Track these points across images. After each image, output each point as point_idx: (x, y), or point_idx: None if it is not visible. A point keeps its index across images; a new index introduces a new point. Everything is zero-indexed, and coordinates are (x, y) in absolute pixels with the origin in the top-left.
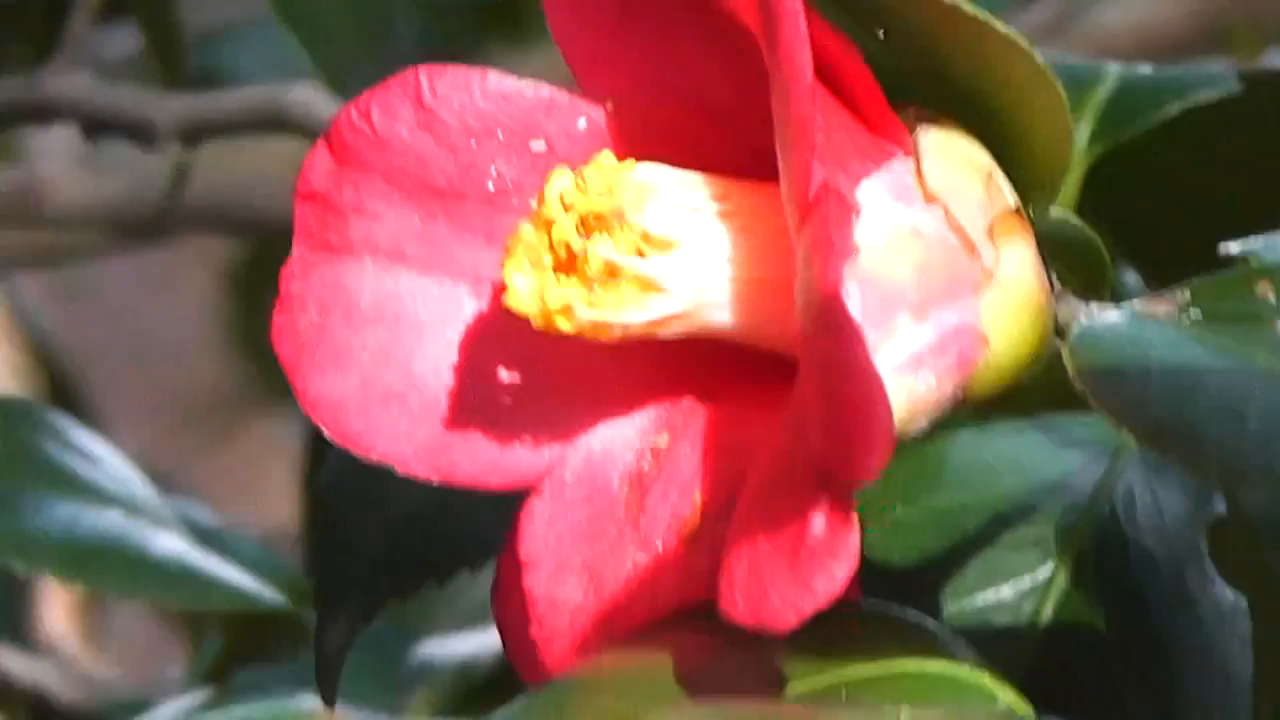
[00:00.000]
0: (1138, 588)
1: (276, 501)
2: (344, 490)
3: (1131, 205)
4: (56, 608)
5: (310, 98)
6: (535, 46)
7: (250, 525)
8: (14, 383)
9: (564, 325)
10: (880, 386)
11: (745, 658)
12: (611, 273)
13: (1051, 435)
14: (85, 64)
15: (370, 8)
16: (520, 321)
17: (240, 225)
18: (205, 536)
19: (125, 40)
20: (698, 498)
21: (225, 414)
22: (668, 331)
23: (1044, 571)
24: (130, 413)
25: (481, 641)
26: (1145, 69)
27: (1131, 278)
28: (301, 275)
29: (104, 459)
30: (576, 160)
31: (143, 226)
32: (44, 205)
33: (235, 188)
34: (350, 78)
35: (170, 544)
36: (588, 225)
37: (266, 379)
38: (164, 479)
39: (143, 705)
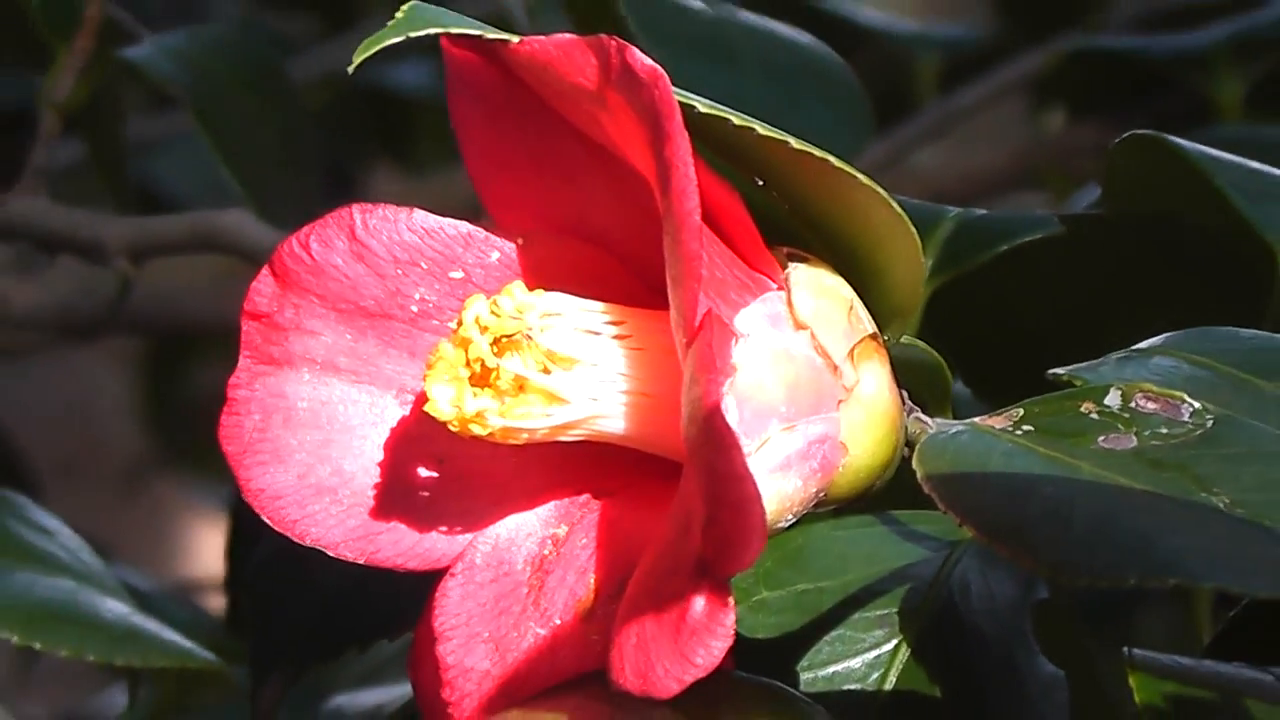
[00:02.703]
0: (970, 661)
1: (191, 556)
2: (276, 571)
3: (965, 329)
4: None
5: (240, 221)
6: (431, 173)
7: (169, 577)
8: None
9: (478, 430)
10: (755, 491)
11: None
12: (520, 386)
13: (897, 530)
14: (44, 190)
15: (284, 128)
16: (439, 426)
17: (169, 330)
18: (143, 601)
19: (72, 151)
20: (592, 580)
21: (141, 478)
22: (568, 436)
23: (888, 646)
24: (60, 478)
25: (385, 694)
26: (979, 212)
27: (962, 390)
28: (247, 384)
29: (57, 531)
30: (490, 288)
31: (86, 330)
32: (7, 311)
33: (166, 298)
34: (267, 189)
35: (116, 608)
36: (500, 345)
37: (174, 448)
38: (93, 538)
39: None
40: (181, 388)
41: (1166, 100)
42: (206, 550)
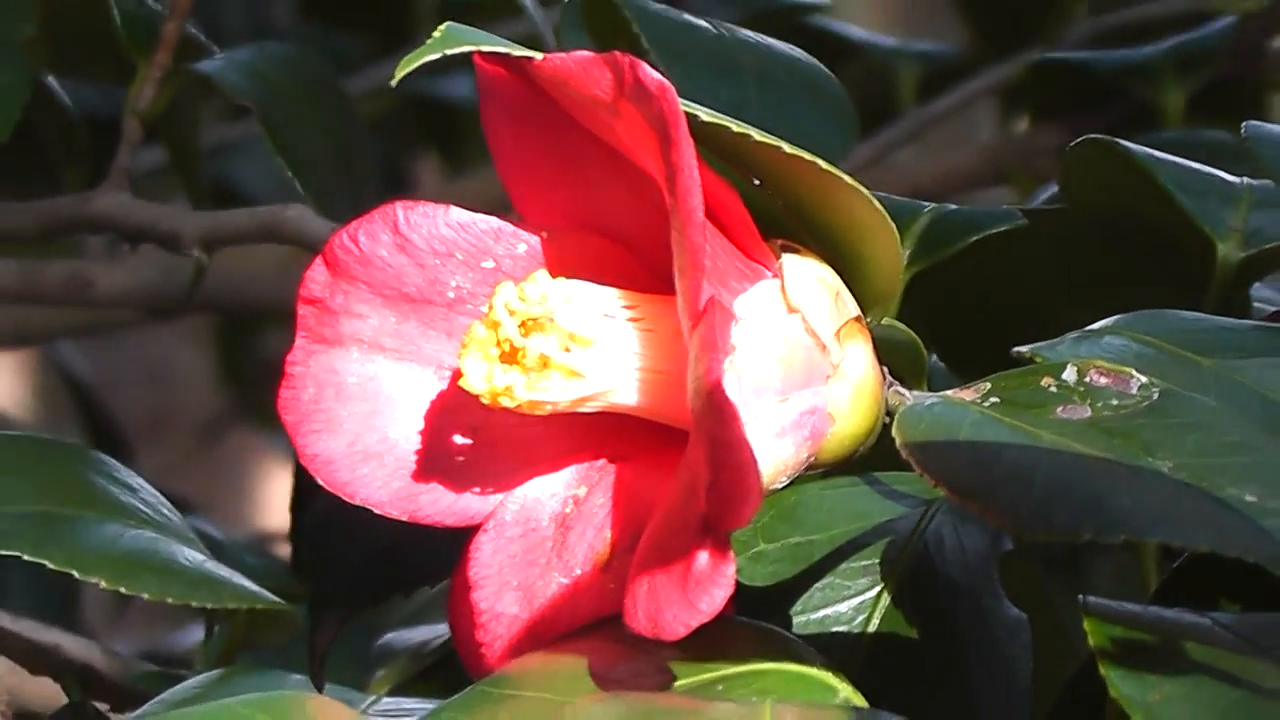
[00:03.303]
0: (945, 606)
1: (263, 507)
2: (331, 525)
3: (940, 311)
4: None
5: (302, 215)
6: (473, 172)
7: (242, 527)
8: (53, 417)
9: (507, 402)
10: (752, 457)
11: (644, 660)
12: (544, 363)
13: (880, 489)
14: (127, 188)
15: (341, 133)
16: (472, 399)
17: (238, 309)
18: (216, 549)
19: (154, 155)
20: (609, 536)
21: (217, 437)
22: (587, 408)
23: (872, 593)
24: (146, 439)
25: (428, 633)
26: (951, 207)
27: (938, 365)
28: (302, 361)
29: (140, 488)
30: (518, 276)
31: (166, 309)
32: (92, 291)
33: (236, 282)
34: (327, 188)
35: (192, 556)
36: (526, 327)
37: (246, 408)
38: (174, 493)
39: (168, 681)
40: (251, 354)
41: (1118, 107)
42: (278, 501)
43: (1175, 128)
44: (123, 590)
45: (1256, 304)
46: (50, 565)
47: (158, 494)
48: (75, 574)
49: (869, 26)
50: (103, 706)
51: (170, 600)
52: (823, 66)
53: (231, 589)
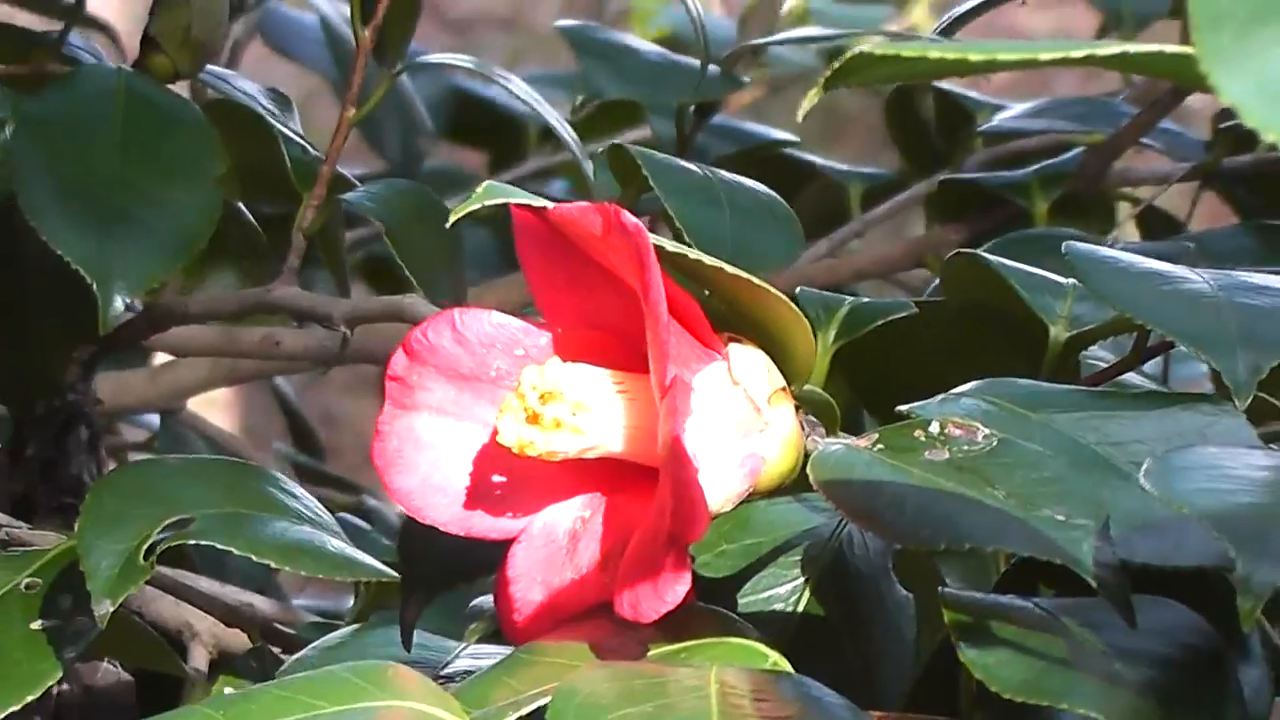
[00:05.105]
0: (853, 590)
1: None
2: (414, 534)
3: (859, 374)
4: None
5: (416, 302)
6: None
7: (384, 523)
8: (279, 434)
9: (531, 452)
10: (701, 493)
11: (628, 636)
12: (557, 424)
13: (808, 505)
14: (295, 282)
15: (444, 243)
16: (506, 449)
17: (375, 361)
18: (363, 536)
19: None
20: (604, 546)
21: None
22: (588, 455)
23: (800, 580)
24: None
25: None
26: (865, 299)
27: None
28: (389, 422)
29: (301, 496)
30: (540, 360)
31: (326, 363)
32: (280, 348)
33: (372, 347)
34: (434, 282)
35: (338, 544)
36: (544, 398)
37: None
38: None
39: (324, 630)
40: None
41: (1002, 212)
42: None
43: (1040, 226)
44: (287, 569)
45: (1092, 361)
46: (236, 550)
47: (314, 500)
48: (253, 557)
49: (827, 155)
50: (276, 650)
51: (320, 575)
52: (778, 196)
53: (363, 567)
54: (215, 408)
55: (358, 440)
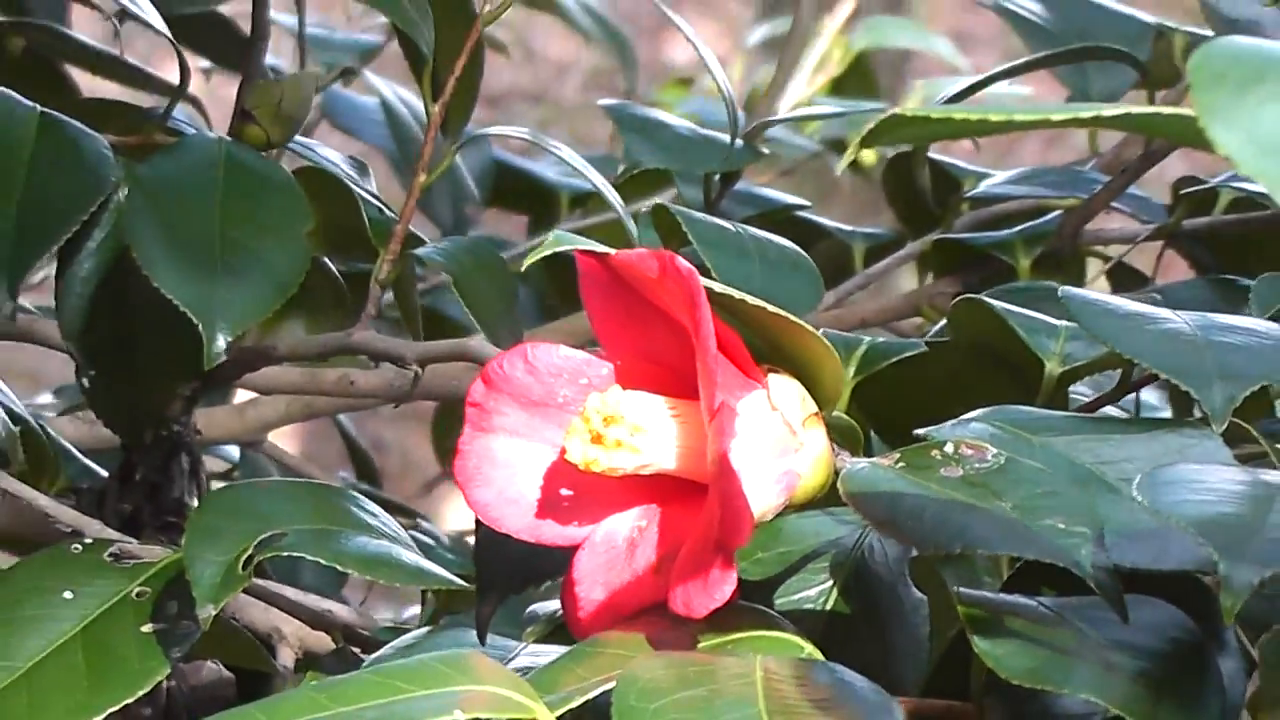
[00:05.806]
0: (873, 592)
1: (462, 522)
2: (490, 540)
3: (875, 405)
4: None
5: (480, 343)
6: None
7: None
8: (335, 461)
9: (594, 468)
10: (746, 504)
11: (680, 630)
12: (618, 444)
13: (834, 517)
14: (371, 327)
15: (503, 291)
16: (573, 466)
17: (445, 399)
18: (428, 551)
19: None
20: (659, 551)
21: (435, 484)
22: (645, 471)
23: (828, 584)
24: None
25: (558, 605)
26: (881, 339)
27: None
28: (468, 443)
29: (378, 513)
30: (602, 388)
31: (397, 399)
32: (355, 387)
33: (441, 385)
34: (495, 326)
35: (411, 556)
36: (606, 421)
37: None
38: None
39: (398, 633)
40: (452, 434)
41: (989, 267)
42: (469, 520)
43: (1023, 280)
44: (367, 578)
45: (1075, 395)
46: (322, 561)
47: (391, 518)
48: (337, 567)
49: (835, 218)
50: (356, 650)
51: (396, 584)
52: (801, 250)
53: (433, 577)
54: (276, 437)
55: (405, 466)
